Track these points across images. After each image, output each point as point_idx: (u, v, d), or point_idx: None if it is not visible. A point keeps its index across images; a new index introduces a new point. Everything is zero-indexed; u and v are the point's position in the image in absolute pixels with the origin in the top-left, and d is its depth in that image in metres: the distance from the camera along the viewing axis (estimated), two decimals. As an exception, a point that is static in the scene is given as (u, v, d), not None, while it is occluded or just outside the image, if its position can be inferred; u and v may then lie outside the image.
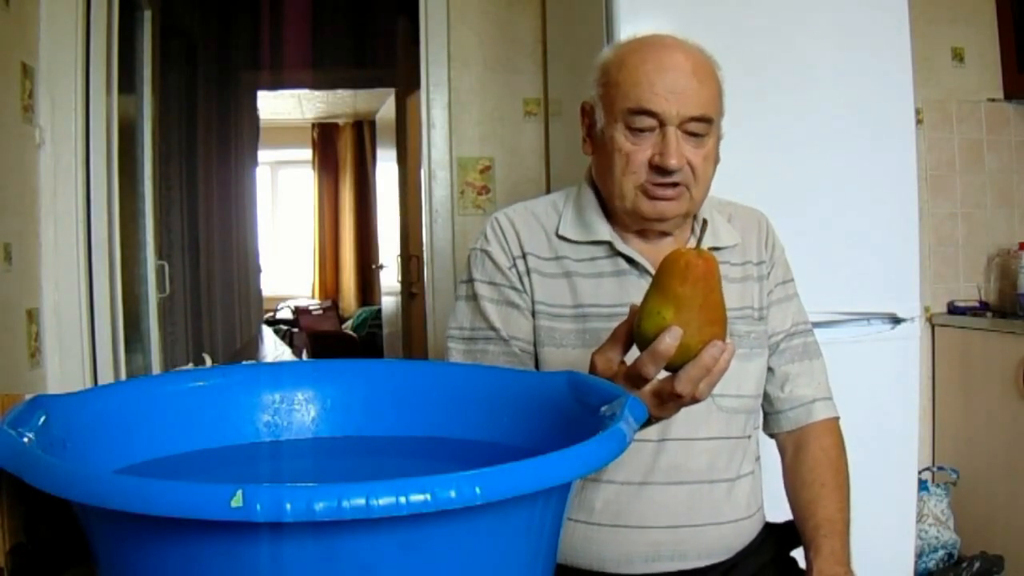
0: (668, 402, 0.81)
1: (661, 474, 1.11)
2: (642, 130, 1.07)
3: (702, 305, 0.78)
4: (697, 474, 1.12)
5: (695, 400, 0.81)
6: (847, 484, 1.16)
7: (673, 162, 1.05)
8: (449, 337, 1.19)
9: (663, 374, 0.81)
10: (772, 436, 1.23)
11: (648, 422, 0.82)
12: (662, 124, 1.06)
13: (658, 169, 1.06)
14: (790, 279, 1.26)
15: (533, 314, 1.15)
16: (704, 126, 1.07)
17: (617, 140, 1.08)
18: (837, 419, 1.22)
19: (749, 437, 1.17)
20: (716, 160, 1.12)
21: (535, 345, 1.15)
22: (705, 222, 0.97)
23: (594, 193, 1.18)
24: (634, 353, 0.83)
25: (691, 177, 1.08)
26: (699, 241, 0.84)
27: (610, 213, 1.16)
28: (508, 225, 1.18)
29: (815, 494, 1.13)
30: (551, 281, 1.14)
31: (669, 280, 0.79)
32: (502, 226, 1.18)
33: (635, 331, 0.81)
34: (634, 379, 0.80)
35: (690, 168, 1.07)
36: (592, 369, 0.85)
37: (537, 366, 1.14)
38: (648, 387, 0.81)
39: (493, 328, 1.14)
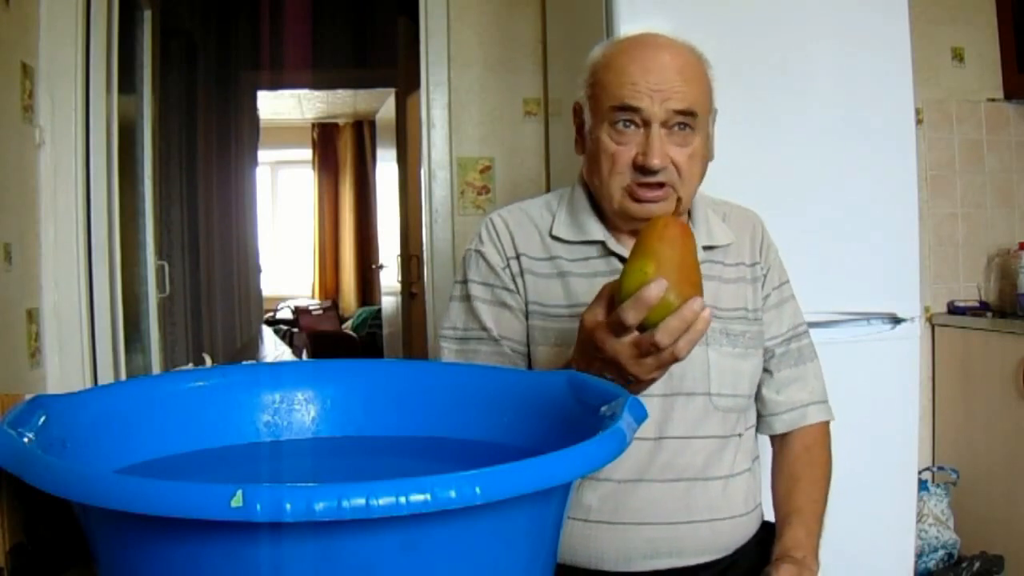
0: (646, 356, 0.81)
1: (657, 471, 1.11)
2: (626, 129, 1.06)
3: (680, 264, 0.81)
4: (692, 471, 1.12)
5: (674, 357, 0.81)
6: (825, 479, 1.18)
7: (656, 161, 1.04)
8: (442, 337, 1.20)
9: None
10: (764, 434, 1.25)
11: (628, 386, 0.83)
12: (646, 123, 1.06)
13: (642, 169, 1.06)
14: (786, 280, 1.26)
15: (527, 315, 1.15)
16: (690, 119, 1.07)
17: (603, 140, 1.08)
18: (829, 422, 1.24)
19: (740, 435, 1.18)
20: (706, 158, 1.12)
21: (529, 345, 1.15)
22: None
23: (587, 193, 1.18)
24: None
25: (676, 176, 1.07)
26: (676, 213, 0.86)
27: (603, 212, 1.16)
28: (502, 226, 1.18)
29: (789, 488, 1.16)
30: (545, 281, 1.15)
31: (648, 239, 0.82)
32: (496, 227, 1.19)
33: (617, 293, 0.83)
34: (615, 327, 0.81)
35: (675, 167, 1.07)
36: (580, 327, 0.88)
37: (530, 366, 1.15)
38: (628, 337, 0.82)
39: (485, 328, 1.15)
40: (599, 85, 1.10)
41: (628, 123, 1.07)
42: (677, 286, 0.79)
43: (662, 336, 0.79)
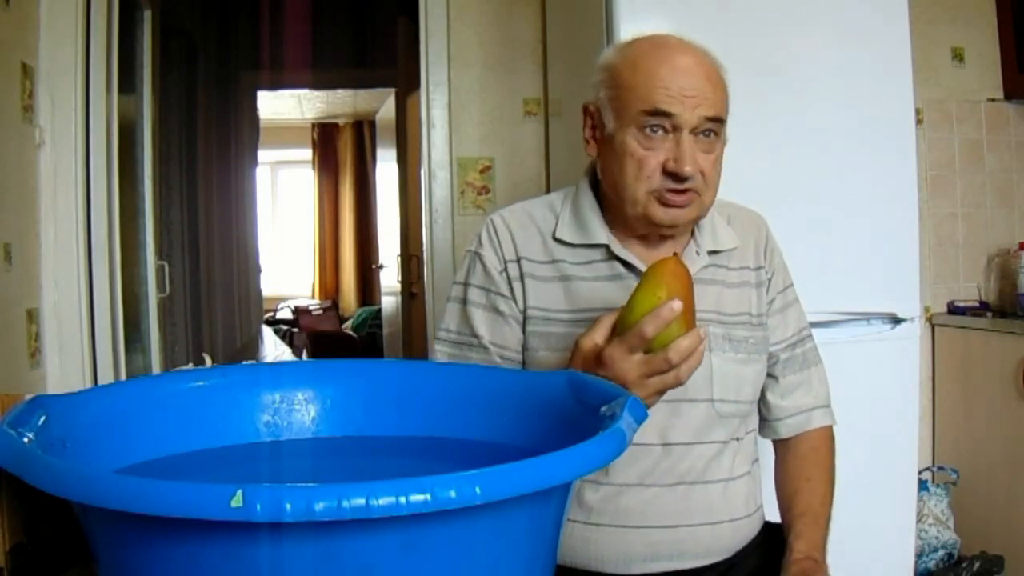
0: (653, 375, 0.87)
1: (658, 475, 1.11)
2: (654, 134, 1.05)
3: (685, 298, 0.87)
4: (693, 475, 1.12)
5: (677, 381, 0.87)
6: (832, 483, 1.19)
7: (688, 168, 1.04)
8: (437, 339, 1.19)
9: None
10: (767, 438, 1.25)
11: None
12: (676, 129, 1.05)
13: (672, 175, 1.05)
14: (790, 284, 1.25)
15: (525, 319, 1.14)
16: (716, 125, 1.07)
17: (629, 144, 1.07)
18: (832, 426, 1.24)
19: (740, 439, 1.17)
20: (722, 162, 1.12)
21: (528, 350, 1.14)
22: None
23: (593, 195, 1.17)
24: None
25: (702, 182, 1.07)
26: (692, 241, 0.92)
27: (610, 215, 1.15)
28: (503, 228, 1.17)
29: (799, 487, 1.17)
30: (546, 285, 1.14)
31: (660, 272, 0.89)
32: (497, 229, 1.17)
33: (624, 318, 0.89)
34: (632, 340, 0.86)
35: (701, 174, 1.06)
36: (576, 350, 0.92)
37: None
38: (639, 356, 0.87)
39: (476, 335, 1.15)
40: (624, 88, 1.08)
41: (656, 128, 1.05)
42: (683, 315, 0.86)
43: (674, 354, 0.85)
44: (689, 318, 0.87)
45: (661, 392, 0.89)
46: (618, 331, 0.89)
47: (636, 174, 1.07)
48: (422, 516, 0.47)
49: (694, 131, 1.05)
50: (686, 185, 1.06)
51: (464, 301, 1.17)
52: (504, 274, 1.15)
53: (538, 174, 2.56)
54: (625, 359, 0.87)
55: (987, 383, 2.47)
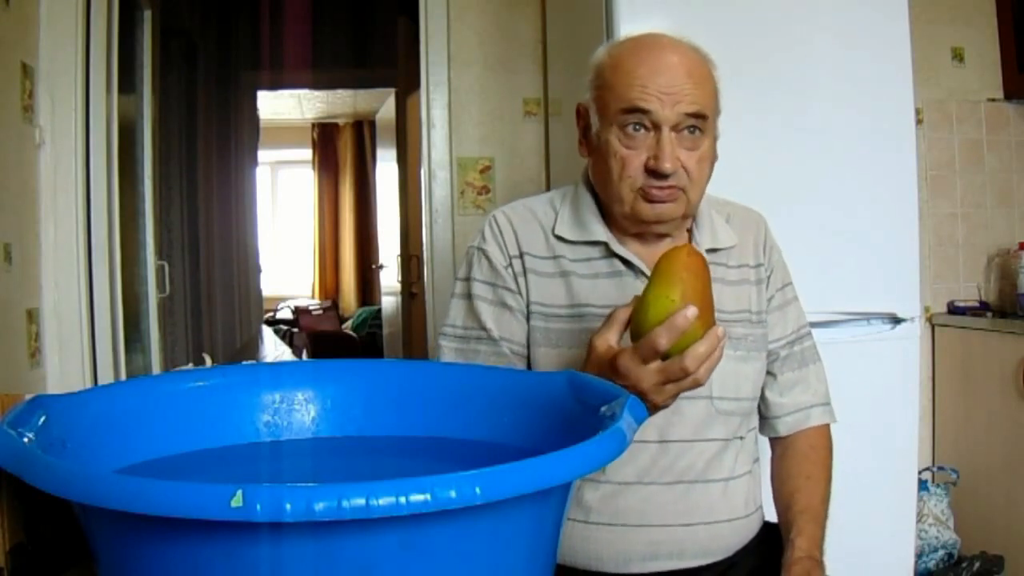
0: (669, 382, 0.85)
1: (658, 474, 1.11)
2: (635, 132, 1.06)
3: (702, 294, 0.84)
4: (693, 474, 1.12)
5: (696, 384, 0.85)
6: (829, 481, 1.19)
7: (667, 165, 1.04)
8: (442, 335, 1.19)
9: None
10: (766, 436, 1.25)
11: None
12: (656, 127, 1.05)
13: (653, 173, 1.06)
14: (789, 282, 1.25)
15: (528, 315, 1.15)
16: (699, 122, 1.07)
17: (612, 144, 1.08)
18: (830, 424, 1.24)
19: (742, 438, 1.17)
20: (713, 160, 1.12)
21: (529, 346, 1.15)
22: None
23: (590, 194, 1.18)
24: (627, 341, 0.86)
25: (686, 179, 1.07)
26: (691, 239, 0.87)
27: (607, 214, 1.16)
28: (506, 224, 1.18)
29: (799, 485, 1.16)
30: (547, 281, 1.14)
31: (673, 266, 0.84)
32: (500, 225, 1.18)
33: (637, 319, 0.85)
34: (645, 352, 0.84)
35: (685, 171, 1.07)
36: (590, 350, 0.90)
37: (530, 367, 1.14)
38: (654, 365, 0.85)
39: (484, 328, 1.15)
40: (606, 87, 1.09)
41: (638, 126, 1.06)
42: (700, 315, 0.83)
43: (690, 362, 0.83)
44: (706, 314, 0.84)
45: (677, 396, 0.88)
46: (631, 334, 0.87)
47: (620, 173, 1.08)
48: (422, 516, 0.47)
49: (676, 128, 1.06)
50: (669, 182, 1.06)
51: (469, 296, 1.17)
52: (509, 269, 1.15)
53: (538, 174, 2.57)
54: (640, 368, 0.85)
55: (987, 383, 2.47)
